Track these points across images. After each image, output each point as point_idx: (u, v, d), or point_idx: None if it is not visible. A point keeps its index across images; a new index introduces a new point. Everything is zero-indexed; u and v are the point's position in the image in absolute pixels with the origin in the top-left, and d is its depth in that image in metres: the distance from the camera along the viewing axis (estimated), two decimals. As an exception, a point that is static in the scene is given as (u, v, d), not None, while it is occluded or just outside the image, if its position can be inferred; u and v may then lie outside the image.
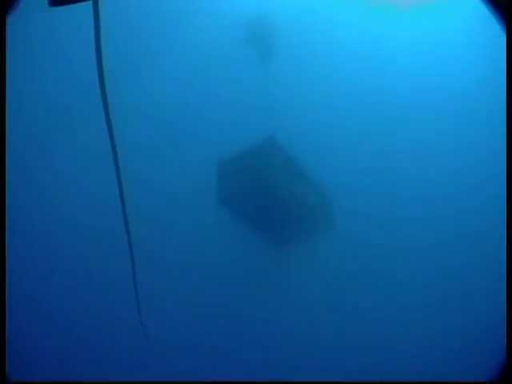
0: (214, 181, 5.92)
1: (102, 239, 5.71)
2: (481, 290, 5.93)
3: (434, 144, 6.24)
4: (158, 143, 5.92)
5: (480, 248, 6.03)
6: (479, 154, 6.12)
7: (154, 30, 5.72)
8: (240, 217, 5.80)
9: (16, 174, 4.96)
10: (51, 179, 5.93)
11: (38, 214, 5.90)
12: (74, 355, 5.61)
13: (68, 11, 2.54)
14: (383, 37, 6.12)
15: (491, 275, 5.55)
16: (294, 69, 6.02)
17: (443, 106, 6.26)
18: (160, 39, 5.73)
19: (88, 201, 5.94)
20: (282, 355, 5.68)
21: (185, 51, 5.69)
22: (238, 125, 5.87)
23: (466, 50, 5.98)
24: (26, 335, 5.32)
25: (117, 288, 5.43)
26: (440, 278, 6.16)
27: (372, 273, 5.99)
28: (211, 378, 5.22)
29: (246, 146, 5.81)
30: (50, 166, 5.88)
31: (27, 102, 5.65)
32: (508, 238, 4.20)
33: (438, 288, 6.14)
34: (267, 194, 5.75)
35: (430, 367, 5.77)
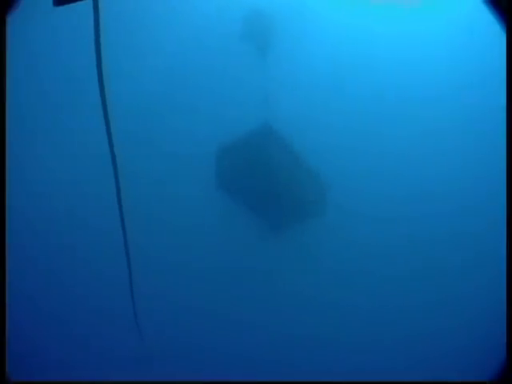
0: (212, 169, 6.01)
1: (100, 235, 5.71)
2: (481, 290, 5.93)
3: (432, 139, 6.25)
4: (155, 134, 5.94)
5: (480, 246, 6.03)
6: (478, 151, 6.11)
7: (150, 24, 5.74)
8: (238, 202, 5.93)
9: (14, 174, 4.95)
10: (48, 178, 5.91)
11: (34, 214, 5.88)
12: (74, 355, 5.61)
13: (68, 11, 2.55)
14: (381, 32, 6.14)
15: (491, 275, 5.54)
16: (290, 62, 6.06)
17: (441, 102, 6.26)
18: (157, 34, 5.75)
19: (85, 196, 5.93)
20: (276, 348, 5.68)
21: (182, 44, 5.71)
22: (236, 115, 5.93)
23: (464, 47, 5.99)
24: (26, 335, 5.32)
25: (117, 287, 5.44)
26: (439, 277, 6.16)
27: (368, 270, 5.99)
28: (211, 376, 5.23)
29: (244, 135, 5.92)
30: (47, 164, 5.86)
31: (25, 102, 5.63)
32: (508, 237, 4.20)
33: (437, 287, 6.14)
34: (264, 181, 5.88)
35: (429, 367, 5.77)
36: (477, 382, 4.06)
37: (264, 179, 5.94)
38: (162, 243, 5.86)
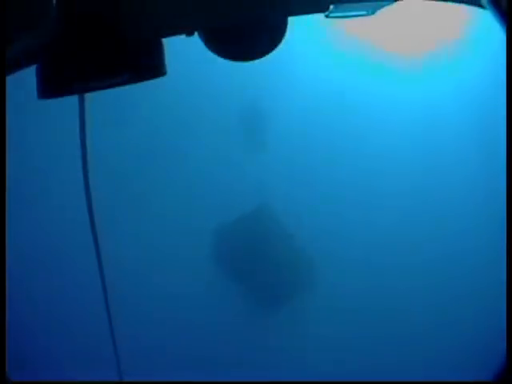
0: (208, 248, 6.33)
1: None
2: (480, 290, 5.94)
3: (431, 215, 6.27)
4: (153, 212, 6.03)
5: (479, 248, 6.04)
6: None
7: (142, 117, 5.83)
8: (233, 278, 6.29)
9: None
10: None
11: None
12: (74, 355, 5.62)
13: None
14: (382, 121, 6.20)
15: (491, 275, 5.55)
16: (285, 150, 6.25)
17: (442, 172, 6.28)
18: (153, 133, 5.85)
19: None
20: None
21: (176, 132, 5.86)
22: (231, 199, 6.13)
23: (468, 113, 5.98)
24: (25, 335, 5.32)
25: (116, 287, 5.45)
26: (438, 279, 6.17)
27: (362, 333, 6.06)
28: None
29: (239, 217, 6.33)
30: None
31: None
32: (508, 237, 4.19)
33: (436, 289, 6.16)
34: (257, 260, 6.32)
35: (430, 367, 5.78)
36: (477, 382, 4.06)
37: (258, 259, 6.33)
38: (154, 318, 5.89)
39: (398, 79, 6.16)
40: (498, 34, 2.33)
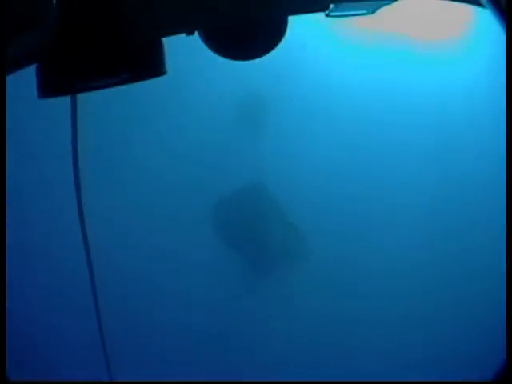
0: (208, 218, 6.60)
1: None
2: (480, 289, 5.94)
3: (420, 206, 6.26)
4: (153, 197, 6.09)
5: (478, 247, 6.04)
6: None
7: (143, 115, 5.88)
8: (230, 246, 6.59)
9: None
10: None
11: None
12: (74, 354, 5.62)
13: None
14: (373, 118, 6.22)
15: (491, 274, 5.53)
16: (282, 134, 6.33)
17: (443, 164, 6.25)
18: (149, 123, 5.91)
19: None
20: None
21: (176, 124, 5.94)
22: (231, 176, 6.30)
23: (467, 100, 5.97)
24: (25, 334, 5.32)
25: (114, 287, 5.47)
26: (437, 279, 6.17)
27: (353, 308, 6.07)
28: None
29: (237, 192, 6.62)
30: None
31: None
32: (508, 235, 4.20)
33: (435, 289, 6.15)
34: (252, 231, 6.64)
35: (429, 367, 5.78)
36: (477, 382, 4.06)
37: (253, 230, 6.64)
38: (155, 286, 5.92)
39: (398, 69, 6.17)
40: (497, 33, 2.33)
